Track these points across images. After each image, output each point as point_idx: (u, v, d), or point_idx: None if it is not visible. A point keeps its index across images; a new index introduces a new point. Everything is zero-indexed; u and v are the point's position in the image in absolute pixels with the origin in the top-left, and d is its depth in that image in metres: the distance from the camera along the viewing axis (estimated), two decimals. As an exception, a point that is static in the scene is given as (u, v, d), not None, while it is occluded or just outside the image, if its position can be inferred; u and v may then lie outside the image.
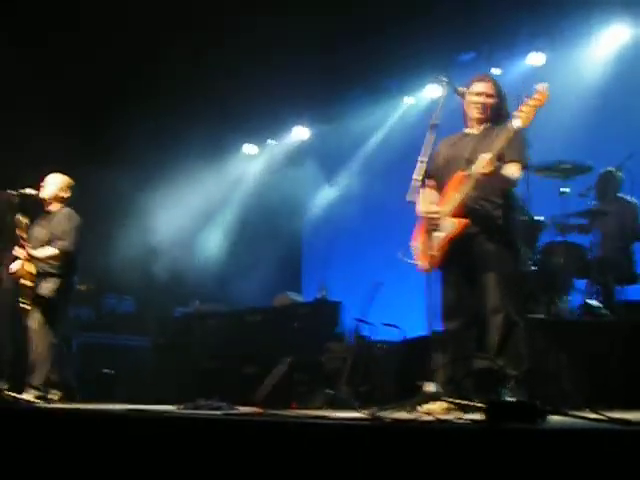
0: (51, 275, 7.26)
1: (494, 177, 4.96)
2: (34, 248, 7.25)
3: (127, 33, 9.40)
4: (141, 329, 10.95)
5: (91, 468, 4.05)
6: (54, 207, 7.50)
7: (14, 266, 7.24)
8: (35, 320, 7.16)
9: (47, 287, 7.22)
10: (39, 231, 7.40)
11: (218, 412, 5.31)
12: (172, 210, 11.26)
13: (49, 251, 7.25)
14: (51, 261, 7.25)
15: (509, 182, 5.17)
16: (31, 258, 7.20)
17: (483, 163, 4.88)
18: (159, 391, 8.52)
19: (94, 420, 4.61)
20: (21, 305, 7.16)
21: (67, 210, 7.47)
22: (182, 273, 10.98)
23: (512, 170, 5.11)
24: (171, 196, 11.15)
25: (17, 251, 7.23)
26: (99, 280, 10.79)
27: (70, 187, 7.55)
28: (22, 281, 7.19)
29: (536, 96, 4.84)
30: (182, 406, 6.63)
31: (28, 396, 6.89)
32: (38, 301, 7.17)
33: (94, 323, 11.10)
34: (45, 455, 4.33)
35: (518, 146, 5.15)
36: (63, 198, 7.51)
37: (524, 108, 4.84)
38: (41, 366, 7.08)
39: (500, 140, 4.92)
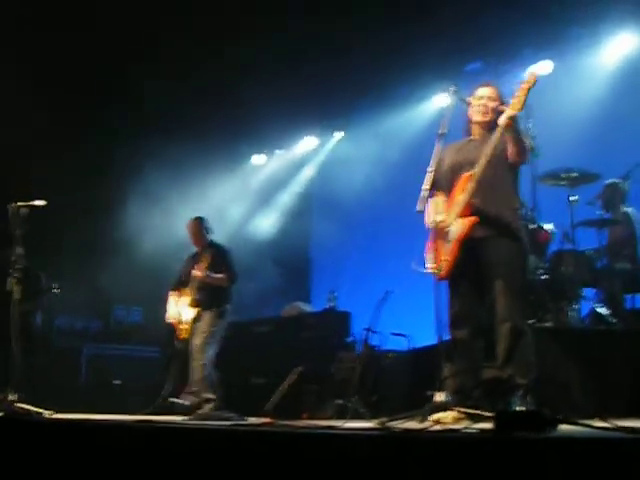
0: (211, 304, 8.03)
1: (512, 132, 4.97)
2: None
3: (135, 46, 9.49)
4: (150, 339, 10.97)
5: (98, 479, 4.05)
6: (206, 242, 8.28)
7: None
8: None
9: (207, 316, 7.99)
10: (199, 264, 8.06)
11: (227, 423, 5.32)
12: (180, 220, 11.29)
13: (220, 278, 8.03)
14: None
15: (525, 146, 5.14)
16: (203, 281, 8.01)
17: (503, 117, 4.91)
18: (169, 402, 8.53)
19: (103, 431, 4.62)
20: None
21: (222, 244, 8.36)
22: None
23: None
24: (178, 206, 11.18)
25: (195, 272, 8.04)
26: (107, 291, 10.81)
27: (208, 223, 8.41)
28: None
29: (526, 79, 4.90)
30: (190, 417, 6.65)
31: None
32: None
33: (103, 334, 11.13)
34: (56, 466, 4.34)
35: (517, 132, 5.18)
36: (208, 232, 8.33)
37: (516, 92, 4.89)
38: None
39: (499, 130, 4.96)
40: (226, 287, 8.09)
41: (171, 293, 8.25)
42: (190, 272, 8.09)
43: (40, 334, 8.73)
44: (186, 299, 8.07)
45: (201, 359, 7.76)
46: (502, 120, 4.91)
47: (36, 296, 8.65)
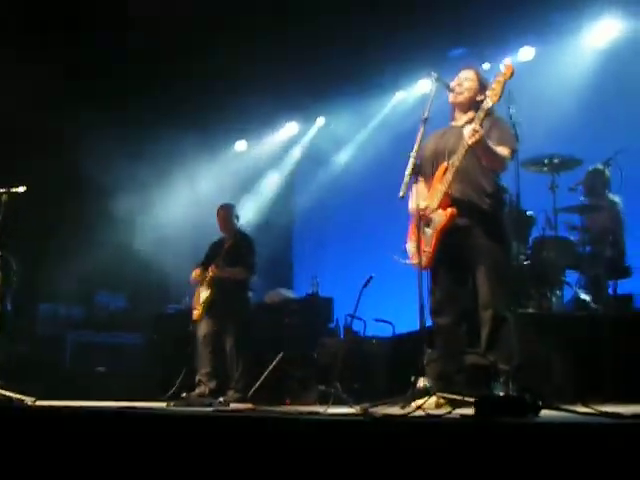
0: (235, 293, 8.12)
1: (481, 149, 4.97)
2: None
3: (118, 30, 9.43)
4: (133, 326, 10.94)
5: (82, 465, 4.04)
6: (234, 230, 8.38)
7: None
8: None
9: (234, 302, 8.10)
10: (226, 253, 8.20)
11: (209, 409, 5.31)
12: (163, 207, 11.27)
13: (239, 271, 8.11)
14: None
15: (498, 158, 5.12)
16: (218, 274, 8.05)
17: (468, 134, 4.90)
18: (151, 388, 8.52)
19: (86, 418, 4.60)
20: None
21: (243, 233, 8.45)
22: (173, 270, 10.97)
23: (501, 149, 5.12)
24: (162, 193, 11.16)
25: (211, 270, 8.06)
26: (90, 277, 10.77)
27: (236, 211, 8.54)
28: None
29: (503, 71, 4.93)
30: (173, 403, 6.64)
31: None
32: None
33: (86, 321, 11.08)
34: (37, 453, 4.32)
35: (503, 132, 5.20)
36: (236, 221, 8.45)
37: (493, 85, 4.92)
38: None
39: (479, 116, 4.96)
40: (244, 280, 8.19)
41: (194, 276, 8.27)
42: (214, 257, 8.19)
43: (12, 320, 8.61)
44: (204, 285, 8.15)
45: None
46: (467, 138, 4.91)
47: (7, 281, 8.53)
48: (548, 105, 9.11)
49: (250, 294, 8.30)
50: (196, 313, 8.12)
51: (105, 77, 10.39)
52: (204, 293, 8.08)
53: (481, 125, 4.92)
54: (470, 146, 4.90)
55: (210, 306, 8.04)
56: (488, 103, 4.94)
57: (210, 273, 8.03)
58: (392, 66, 10.52)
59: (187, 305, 10.95)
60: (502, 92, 4.93)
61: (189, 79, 10.65)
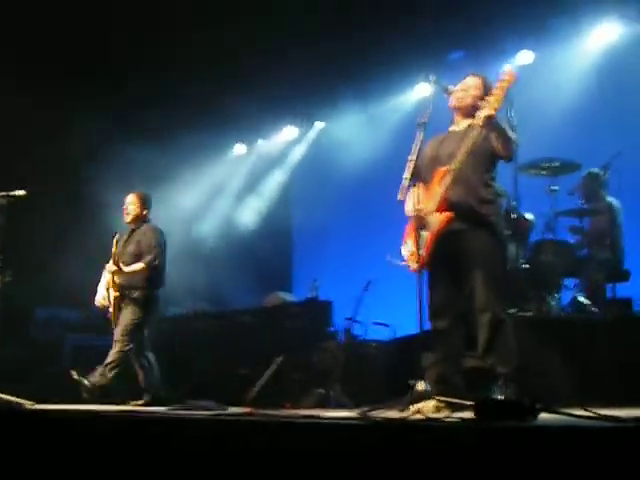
0: (136, 288, 7.73)
1: (494, 128, 4.95)
2: (124, 263, 7.72)
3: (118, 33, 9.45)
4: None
5: (80, 470, 4.04)
6: (137, 224, 7.96)
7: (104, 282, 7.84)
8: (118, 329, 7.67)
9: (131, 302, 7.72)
10: (128, 247, 7.84)
11: (208, 412, 5.30)
12: (161, 210, 11.26)
13: (137, 266, 7.70)
14: (138, 275, 7.73)
15: (510, 140, 5.07)
16: (120, 272, 7.70)
17: (484, 111, 4.86)
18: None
19: (84, 421, 4.60)
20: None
21: (152, 225, 8.00)
22: (173, 273, 10.96)
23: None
24: (159, 196, 11.15)
25: (109, 266, 7.70)
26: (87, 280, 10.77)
27: (149, 201, 8.10)
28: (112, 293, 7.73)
29: (503, 78, 4.86)
30: (172, 407, 6.63)
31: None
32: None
33: (84, 324, 11.06)
34: (35, 457, 4.32)
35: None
36: (147, 212, 8.03)
37: (495, 90, 4.86)
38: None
39: (477, 125, 4.92)
40: (148, 274, 7.76)
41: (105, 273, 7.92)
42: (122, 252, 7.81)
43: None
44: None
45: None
46: (478, 119, 4.88)
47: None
48: (547, 109, 9.13)
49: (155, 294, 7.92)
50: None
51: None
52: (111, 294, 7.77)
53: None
54: (487, 118, 4.82)
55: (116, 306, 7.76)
56: (488, 110, 4.87)
57: (109, 271, 7.72)
58: (391, 69, 10.54)
59: (187, 308, 10.99)
60: (503, 98, 4.86)
61: (189, 79, 10.67)
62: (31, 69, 9.75)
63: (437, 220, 5.08)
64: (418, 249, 5.04)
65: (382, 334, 8.30)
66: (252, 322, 9.83)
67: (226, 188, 12.95)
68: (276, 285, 11.23)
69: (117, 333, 7.65)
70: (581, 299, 7.40)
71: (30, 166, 9.46)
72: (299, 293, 11.01)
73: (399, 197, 4.92)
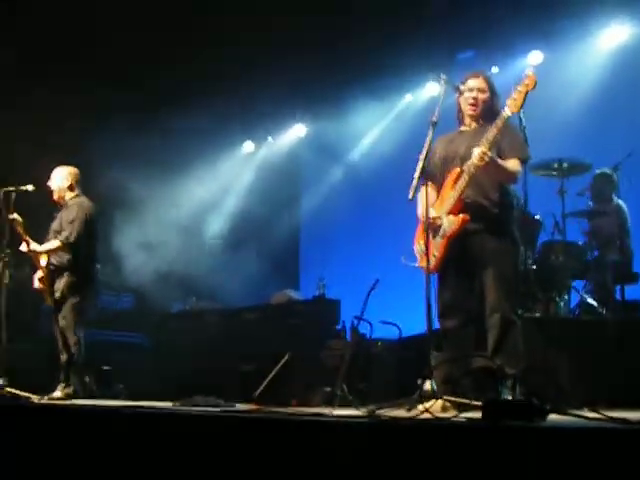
0: (63, 269, 7.35)
1: (491, 168, 4.97)
2: (48, 241, 7.33)
3: (127, 33, 9.44)
4: (140, 326, 10.94)
5: (88, 463, 4.05)
6: (67, 198, 7.53)
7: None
8: (61, 317, 7.34)
9: (61, 283, 7.33)
10: (55, 224, 7.46)
11: (215, 409, 5.31)
12: (170, 206, 11.27)
13: (51, 244, 7.33)
14: (58, 254, 7.32)
15: (508, 174, 5.16)
16: (33, 252, 7.27)
17: (477, 155, 4.89)
18: (157, 388, 8.51)
19: (92, 416, 4.61)
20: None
21: (78, 200, 7.52)
22: (180, 270, 10.96)
23: (512, 164, 5.12)
24: (169, 192, 11.16)
25: (23, 247, 7.28)
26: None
27: (74, 175, 7.58)
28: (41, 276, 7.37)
29: (525, 81, 4.89)
30: (179, 403, 6.63)
31: (58, 393, 7.07)
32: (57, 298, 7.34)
33: (92, 320, 11.08)
34: (43, 450, 4.33)
35: (515, 139, 5.21)
36: (72, 187, 7.54)
37: (514, 94, 4.88)
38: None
39: (492, 130, 4.94)
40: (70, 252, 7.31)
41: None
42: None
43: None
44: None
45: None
46: (476, 161, 4.92)
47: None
48: (557, 109, 9.11)
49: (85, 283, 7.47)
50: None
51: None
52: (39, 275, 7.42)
53: (499, 132, 4.92)
54: (477, 166, 4.92)
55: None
56: (507, 112, 4.93)
57: (25, 250, 7.30)
58: (401, 68, 10.52)
59: (194, 305, 11.00)
60: (523, 103, 4.89)
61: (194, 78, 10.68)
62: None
63: (452, 222, 5.08)
64: (431, 250, 5.03)
65: (389, 333, 8.27)
66: (259, 319, 9.82)
67: (235, 185, 12.94)
68: (283, 283, 11.22)
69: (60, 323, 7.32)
70: (589, 300, 7.39)
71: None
72: (306, 291, 11.00)
73: (410, 196, 4.92)
